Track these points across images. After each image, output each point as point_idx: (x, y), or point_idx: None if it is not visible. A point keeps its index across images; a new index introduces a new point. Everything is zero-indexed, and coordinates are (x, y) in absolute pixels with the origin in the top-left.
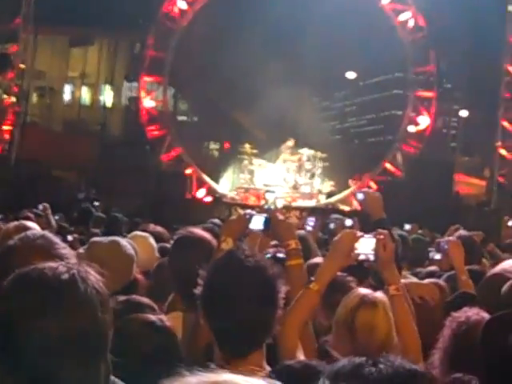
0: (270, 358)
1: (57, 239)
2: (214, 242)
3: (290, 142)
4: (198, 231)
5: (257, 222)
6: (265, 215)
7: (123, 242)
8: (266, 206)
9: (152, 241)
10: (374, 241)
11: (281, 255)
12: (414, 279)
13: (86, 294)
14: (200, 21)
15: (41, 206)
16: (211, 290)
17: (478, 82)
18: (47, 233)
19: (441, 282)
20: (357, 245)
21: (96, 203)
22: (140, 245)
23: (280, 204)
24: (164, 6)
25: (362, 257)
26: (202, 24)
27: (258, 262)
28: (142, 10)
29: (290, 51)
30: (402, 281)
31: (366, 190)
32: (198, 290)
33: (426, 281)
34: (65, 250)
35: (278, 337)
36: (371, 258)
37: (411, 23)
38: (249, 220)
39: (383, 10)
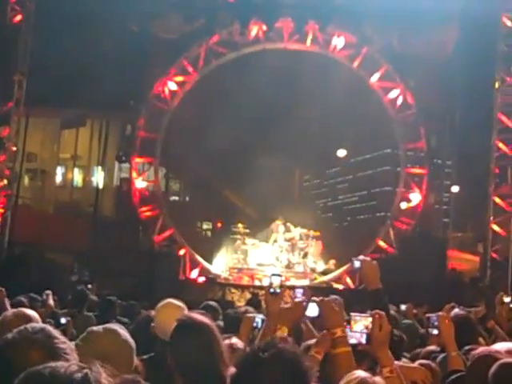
0: None
1: (56, 333)
2: (214, 326)
3: (279, 221)
4: (197, 316)
5: (312, 310)
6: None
7: (121, 330)
8: (271, 290)
9: (185, 310)
10: (369, 320)
11: None
12: (406, 361)
13: None
14: (190, 101)
15: (44, 296)
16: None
17: (468, 157)
18: (47, 326)
19: (433, 364)
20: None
21: (89, 286)
22: (171, 314)
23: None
24: (155, 87)
25: (353, 340)
26: (191, 104)
27: (296, 353)
28: (133, 91)
29: (280, 130)
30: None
31: (362, 257)
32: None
33: (418, 363)
34: (64, 344)
35: None
36: (363, 341)
37: (400, 101)
38: (305, 308)
39: (372, 88)
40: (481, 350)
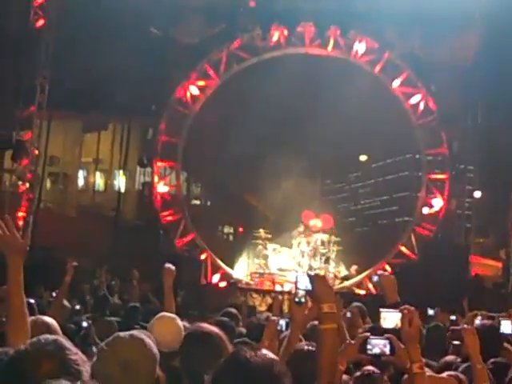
0: None
1: (69, 344)
2: (223, 336)
3: (301, 228)
4: (207, 326)
5: (305, 283)
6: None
7: (147, 339)
8: (296, 300)
9: (179, 322)
10: (398, 315)
11: None
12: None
13: None
14: (211, 105)
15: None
16: None
17: (491, 162)
18: (59, 338)
19: (460, 375)
20: (368, 344)
21: (113, 282)
22: (166, 325)
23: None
24: (176, 91)
25: (376, 350)
26: (213, 109)
27: (265, 360)
28: (155, 95)
29: (301, 134)
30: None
31: (381, 272)
32: None
33: (446, 374)
34: (76, 355)
35: None
36: (387, 351)
37: (421, 106)
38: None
39: (394, 93)
40: None
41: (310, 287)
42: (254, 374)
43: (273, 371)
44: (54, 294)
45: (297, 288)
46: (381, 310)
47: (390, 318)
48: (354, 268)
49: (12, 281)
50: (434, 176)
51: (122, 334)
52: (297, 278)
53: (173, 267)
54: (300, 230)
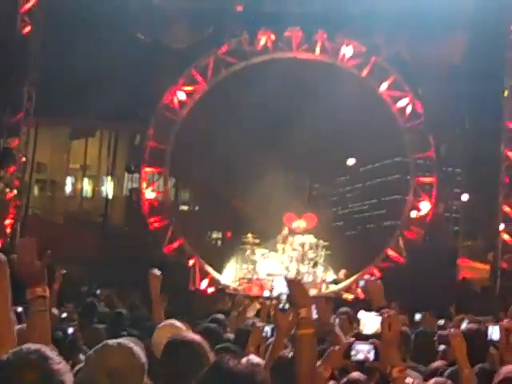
0: None
1: (52, 354)
2: (205, 345)
3: (286, 231)
4: (189, 335)
5: (282, 286)
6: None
7: (136, 347)
8: (280, 306)
9: (182, 330)
10: (379, 320)
11: None
12: (418, 376)
13: None
14: (199, 111)
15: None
16: None
17: (478, 166)
18: (43, 347)
19: (448, 382)
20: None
21: (98, 291)
22: (167, 334)
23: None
24: (164, 97)
25: (360, 356)
26: (201, 114)
27: (247, 367)
28: (142, 101)
29: (289, 139)
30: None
31: (367, 277)
32: None
33: (434, 381)
34: (59, 365)
35: None
36: (371, 357)
37: (409, 110)
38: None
39: (381, 97)
40: (506, 370)
41: (286, 291)
42: (237, 382)
43: (255, 380)
44: None
45: (275, 292)
46: (359, 314)
47: (371, 323)
48: (342, 272)
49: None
50: (421, 179)
51: (110, 341)
52: (274, 282)
53: (158, 273)
54: (284, 234)
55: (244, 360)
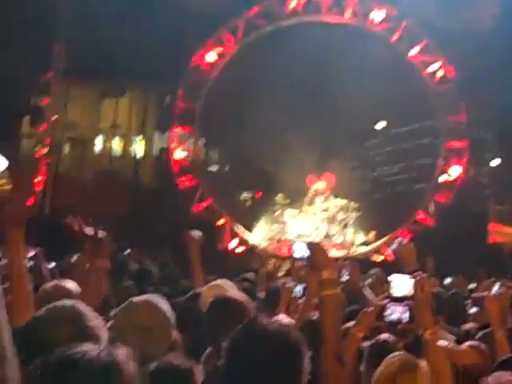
0: None
1: (87, 310)
2: (249, 304)
3: (312, 192)
4: (234, 294)
5: (302, 250)
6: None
7: (161, 303)
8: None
9: (230, 290)
10: (410, 282)
11: None
12: (451, 338)
13: None
14: (229, 72)
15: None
16: (233, 359)
17: (509, 130)
18: (77, 304)
19: (481, 345)
20: (386, 311)
21: (128, 250)
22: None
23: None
24: (194, 58)
25: (394, 317)
26: (230, 75)
27: (281, 327)
28: (173, 61)
29: (318, 102)
30: (441, 343)
31: (399, 240)
32: (220, 363)
33: (467, 344)
34: (94, 321)
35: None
36: (405, 319)
37: (440, 74)
38: None
39: (412, 62)
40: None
41: (307, 255)
42: (271, 341)
43: (289, 338)
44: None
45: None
46: (390, 277)
47: (402, 285)
48: (372, 234)
49: (12, 247)
50: (452, 144)
51: (135, 298)
52: (294, 246)
53: (197, 234)
54: (311, 195)
55: (276, 319)
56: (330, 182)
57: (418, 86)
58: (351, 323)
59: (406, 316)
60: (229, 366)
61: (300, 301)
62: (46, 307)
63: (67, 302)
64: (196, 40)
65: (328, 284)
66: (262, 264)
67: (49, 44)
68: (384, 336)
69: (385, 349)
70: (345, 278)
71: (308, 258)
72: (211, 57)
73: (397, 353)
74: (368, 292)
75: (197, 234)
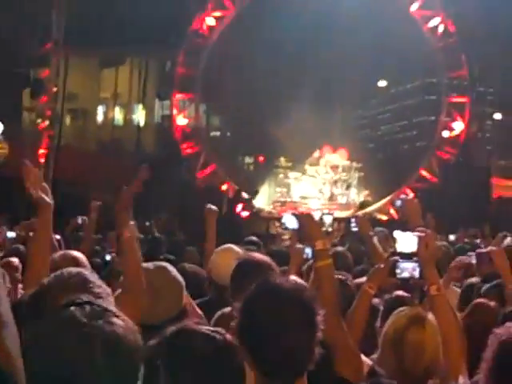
0: None
1: (93, 277)
2: (273, 264)
3: (317, 154)
4: (258, 256)
5: (291, 222)
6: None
7: (170, 267)
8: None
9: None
10: (415, 239)
11: None
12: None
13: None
14: (228, 36)
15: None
16: (248, 318)
17: (511, 84)
18: (83, 270)
19: (492, 303)
20: (397, 268)
21: (147, 223)
22: (230, 258)
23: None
24: (193, 23)
25: (405, 274)
26: (230, 39)
27: (294, 285)
28: (172, 27)
29: (320, 62)
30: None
31: (403, 197)
32: (233, 323)
33: (476, 302)
34: (100, 288)
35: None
36: (416, 274)
37: (441, 29)
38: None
39: (413, 16)
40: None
41: (296, 226)
42: (285, 300)
43: (303, 297)
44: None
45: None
46: (395, 234)
47: (407, 242)
48: (365, 194)
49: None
50: (454, 99)
51: (145, 264)
52: (284, 218)
53: (215, 208)
54: (316, 156)
55: (291, 278)
56: (342, 159)
57: (419, 41)
58: (363, 279)
59: (416, 272)
60: (243, 325)
61: (309, 262)
62: (54, 274)
63: (74, 269)
64: (195, 4)
65: (322, 255)
66: (267, 227)
67: (48, 15)
68: (399, 293)
69: (400, 304)
70: (354, 229)
71: (299, 229)
72: (210, 21)
73: (406, 307)
74: (377, 242)
75: (213, 207)
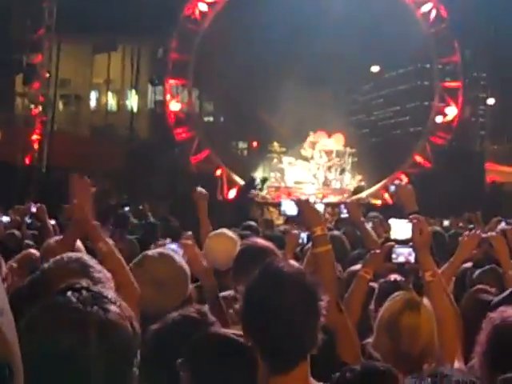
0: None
1: (92, 262)
2: (277, 250)
3: (312, 138)
4: (261, 241)
5: (290, 208)
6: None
7: (176, 256)
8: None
9: (236, 240)
10: (410, 225)
11: None
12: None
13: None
14: (221, 22)
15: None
16: (252, 303)
17: (504, 69)
18: (83, 256)
19: (493, 289)
20: (393, 253)
21: (126, 208)
22: (222, 243)
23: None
24: (185, 9)
25: (401, 259)
26: (223, 25)
27: (298, 270)
28: (164, 14)
29: (313, 48)
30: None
31: (397, 182)
32: (237, 306)
33: (475, 289)
34: (100, 273)
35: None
36: (411, 259)
37: (433, 14)
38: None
39: (405, 2)
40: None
41: (295, 213)
42: (287, 283)
43: (305, 280)
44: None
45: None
46: (390, 220)
47: (402, 229)
48: (358, 179)
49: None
50: (447, 84)
51: (150, 252)
52: (283, 204)
53: (204, 191)
54: (311, 140)
55: (291, 262)
56: (338, 144)
57: (411, 27)
58: (358, 266)
59: (412, 257)
60: (246, 309)
61: (306, 247)
62: (53, 260)
63: (73, 254)
64: None
65: (321, 240)
66: (261, 212)
67: (40, 1)
68: (393, 276)
69: (395, 288)
70: (344, 215)
71: (298, 215)
72: (203, 6)
73: (401, 292)
74: (369, 227)
75: (203, 190)
